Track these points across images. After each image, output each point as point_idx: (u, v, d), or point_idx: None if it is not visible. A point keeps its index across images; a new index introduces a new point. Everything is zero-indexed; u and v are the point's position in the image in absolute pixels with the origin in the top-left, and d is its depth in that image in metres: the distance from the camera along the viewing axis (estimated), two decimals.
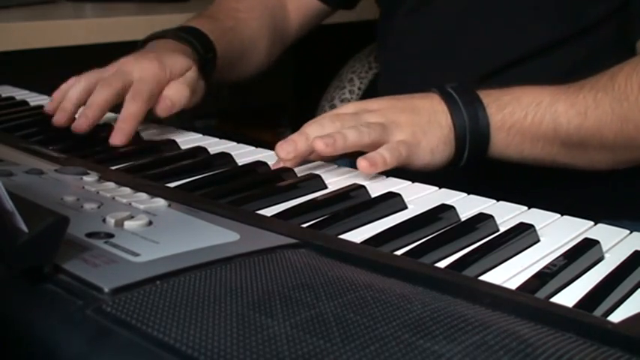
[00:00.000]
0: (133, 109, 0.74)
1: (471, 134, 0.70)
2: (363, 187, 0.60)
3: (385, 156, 0.64)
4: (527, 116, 0.70)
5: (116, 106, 0.78)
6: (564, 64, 0.81)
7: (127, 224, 0.43)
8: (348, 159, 0.92)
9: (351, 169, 0.67)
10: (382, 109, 0.69)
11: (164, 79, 0.77)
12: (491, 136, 0.71)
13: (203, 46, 0.87)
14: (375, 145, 0.65)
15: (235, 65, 0.97)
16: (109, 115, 0.84)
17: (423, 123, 0.68)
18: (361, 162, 0.63)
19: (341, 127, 0.65)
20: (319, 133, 0.65)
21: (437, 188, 0.62)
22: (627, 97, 0.69)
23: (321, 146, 0.63)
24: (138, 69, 0.77)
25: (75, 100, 0.77)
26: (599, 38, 0.82)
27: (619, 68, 0.72)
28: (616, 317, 0.40)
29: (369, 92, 1.23)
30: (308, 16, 1.07)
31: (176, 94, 0.77)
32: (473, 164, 0.71)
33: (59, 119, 0.77)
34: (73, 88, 0.78)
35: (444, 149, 0.69)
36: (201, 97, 0.84)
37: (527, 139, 0.71)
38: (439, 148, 0.69)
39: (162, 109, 0.77)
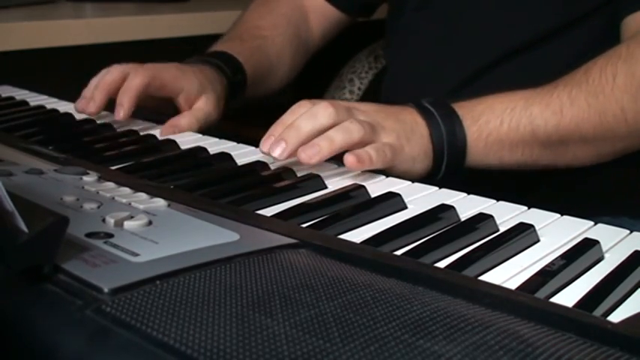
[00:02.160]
0: (131, 83, 0.77)
1: (449, 147, 0.70)
2: (363, 187, 0.60)
3: (372, 154, 0.63)
4: (502, 123, 0.71)
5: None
6: (564, 52, 0.81)
7: (127, 224, 0.43)
8: None
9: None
10: (369, 111, 0.69)
11: (178, 79, 0.81)
12: (468, 148, 0.71)
13: (232, 69, 0.90)
14: (363, 144, 0.64)
15: (263, 82, 0.99)
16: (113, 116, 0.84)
17: (407, 130, 0.69)
18: (348, 157, 0.62)
19: (335, 116, 0.64)
20: (311, 126, 0.64)
21: (437, 188, 0.62)
22: (603, 89, 0.70)
23: (305, 159, 0.62)
24: (156, 63, 0.81)
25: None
26: (599, 25, 0.82)
27: (593, 62, 0.72)
28: (616, 317, 0.40)
29: (369, 92, 1.23)
30: (329, 26, 1.09)
31: (186, 125, 0.81)
32: (450, 177, 0.72)
33: (78, 106, 0.80)
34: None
35: (424, 159, 0.69)
36: (212, 123, 0.86)
37: (506, 146, 0.72)
38: (420, 157, 0.69)
39: (165, 130, 0.79)
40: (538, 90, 0.72)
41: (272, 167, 0.67)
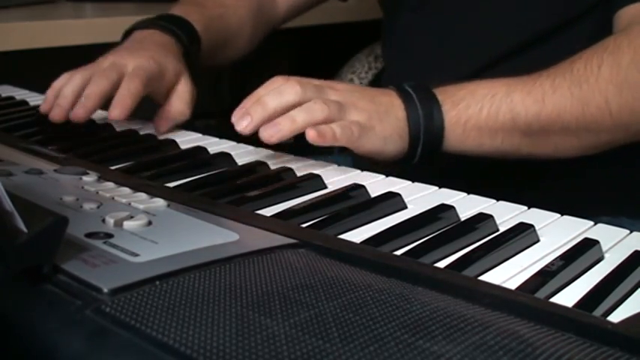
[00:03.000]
0: (131, 86, 0.75)
1: (425, 130, 0.70)
2: (363, 187, 0.60)
3: (336, 131, 0.63)
4: (482, 109, 0.70)
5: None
6: (562, 52, 0.81)
7: (127, 224, 0.43)
8: (350, 157, 0.93)
9: (351, 169, 0.67)
10: (343, 90, 0.69)
11: (158, 76, 0.79)
12: (446, 132, 0.70)
13: (188, 37, 0.89)
14: (328, 123, 0.65)
15: (219, 53, 0.98)
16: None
17: (380, 111, 0.68)
18: (310, 132, 0.62)
19: (302, 94, 0.65)
20: (277, 103, 0.65)
21: (437, 188, 0.62)
22: (587, 79, 0.69)
23: (265, 137, 0.63)
24: (132, 62, 0.78)
25: (70, 95, 0.76)
26: (596, 25, 0.82)
27: (579, 54, 0.72)
28: (616, 317, 0.40)
29: None
30: (294, 3, 1.08)
31: (178, 114, 0.80)
32: (427, 160, 0.71)
33: (56, 115, 0.76)
34: (68, 84, 0.77)
35: (396, 141, 0.69)
36: (195, 99, 0.85)
37: (485, 133, 0.71)
38: (393, 138, 0.69)
39: (163, 126, 0.79)
40: (522, 78, 0.72)
41: (272, 167, 0.67)
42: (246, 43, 1.03)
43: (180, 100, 0.81)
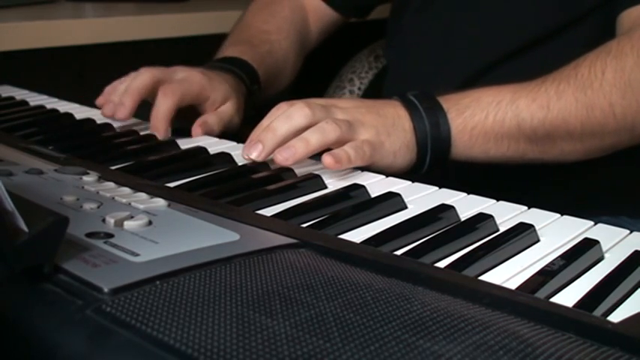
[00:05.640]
0: (162, 108, 0.76)
1: (433, 140, 0.70)
2: (363, 187, 0.60)
3: (350, 153, 0.64)
4: (488, 116, 0.71)
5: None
6: (564, 53, 0.81)
7: (127, 224, 0.43)
8: None
9: (351, 169, 0.67)
10: (349, 107, 0.69)
11: (206, 89, 0.81)
12: (453, 140, 0.71)
13: (250, 78, 0.91)
14: (340, 142, 0.65)
15: (271, 86, 1.00)
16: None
17: (387, 125, 0.69)
18: (326, 158, 0.63)
19: (311, 116, 0.65)
20: (287, 127, 0.65)
21: (437, 188, 0.62)
22: (591, 84, 0.70)
23: (281, 160, 0.64)
24: (184, 72, 0.81)
25: (122, 91, 0.79)
26: (599, 25, 0.82)
27: (583, 58, 0.72)
28: (616, 317, 0.40)
29: (369, 92, 1.23)
30: (326, 25, 1.11)
31: (214, 124, 0.81)
32: (436, 169, 0.72)
33: (107, 111, 0.78)
34: (122, 81, 0.80)
35: (406, 153, 0.70)
36: (234, 128, 0.87)
37: (491, 139, 0.72)
38: (402, 151, 0.69)
39: (196, 132, 0.80)
40: (526, 84, 0.72)
41: (272, 167, 0.67)
42: (290, 74, 1.06)
43: (217, 116, 0.82)
